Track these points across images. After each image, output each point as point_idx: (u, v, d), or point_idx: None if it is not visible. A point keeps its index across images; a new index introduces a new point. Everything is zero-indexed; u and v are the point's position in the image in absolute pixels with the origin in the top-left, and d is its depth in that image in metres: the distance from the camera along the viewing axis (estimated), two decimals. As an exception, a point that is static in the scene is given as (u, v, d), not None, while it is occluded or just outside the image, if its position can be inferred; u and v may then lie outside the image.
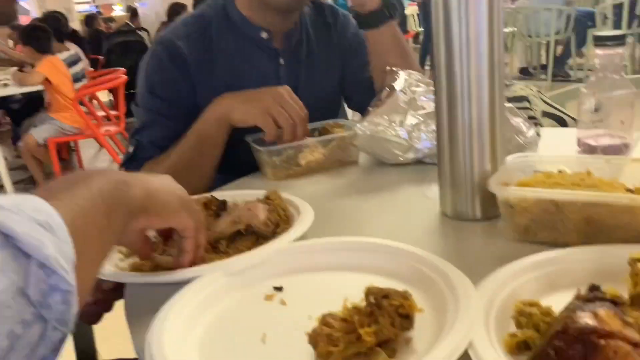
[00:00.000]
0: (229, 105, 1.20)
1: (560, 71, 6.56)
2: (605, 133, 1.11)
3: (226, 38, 1.34)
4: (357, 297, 0.63)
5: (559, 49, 6.60)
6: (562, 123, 1.51)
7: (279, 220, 0.93)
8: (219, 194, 1.00)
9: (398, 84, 1.16)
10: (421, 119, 1.15)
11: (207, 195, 0.99)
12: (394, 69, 1.20)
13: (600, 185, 0.77)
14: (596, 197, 0.72)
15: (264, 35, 1.35)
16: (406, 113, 1.15)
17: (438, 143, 0.92)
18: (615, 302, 0.56)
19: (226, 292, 0.74)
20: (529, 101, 1.47)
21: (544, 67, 6.73)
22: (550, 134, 1.30)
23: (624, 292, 0.59)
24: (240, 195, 1.01)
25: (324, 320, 0.61)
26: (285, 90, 1.20)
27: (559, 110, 1.52)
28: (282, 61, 1.39)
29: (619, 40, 1.05)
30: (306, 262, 0.80)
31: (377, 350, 0.59)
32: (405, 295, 0.63)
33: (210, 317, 0.70)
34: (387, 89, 1.16)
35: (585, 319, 0.52)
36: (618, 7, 5.68)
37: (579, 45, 6.45)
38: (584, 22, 6.14)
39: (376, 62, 1.39)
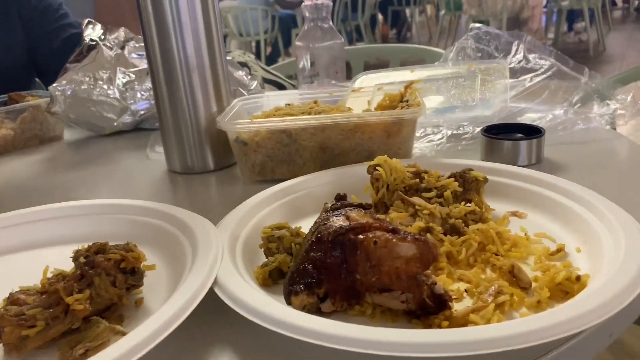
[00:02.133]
0: None
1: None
2: (324, 84, 1.13)
3: None
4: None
5: (268, 49, 7.01)
6: (282, 89, 1.52)
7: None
8: None
9: (96, 35, 0.97)
10: (133, 76, 0.99)
11: None
12: (88, 19, 1.00)
13: (329, 110, 0.74)
14: (327, 119, 0.69)
15: None
16: (115, 70, 0.98)
17: (154, 88, 0.78)
18: (363, 206, 0.52)
19: None
20: (249, 67, 1.44)
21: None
22: (274, 95, 1.27)
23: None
24: None
25: (12, 299, 0.43)
26: None
27: (278, 77, 1.53)
28: None
29: (324, -11, 1.07)
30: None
31: (95, 320, 0.43)
32: (127, 247, 0.48)
33: None
34: (86, 41, 0.96)
35: (338, 222, 0.46)
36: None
37: (286, 45, 6.96)
38: (288, 22, 6.65)
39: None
